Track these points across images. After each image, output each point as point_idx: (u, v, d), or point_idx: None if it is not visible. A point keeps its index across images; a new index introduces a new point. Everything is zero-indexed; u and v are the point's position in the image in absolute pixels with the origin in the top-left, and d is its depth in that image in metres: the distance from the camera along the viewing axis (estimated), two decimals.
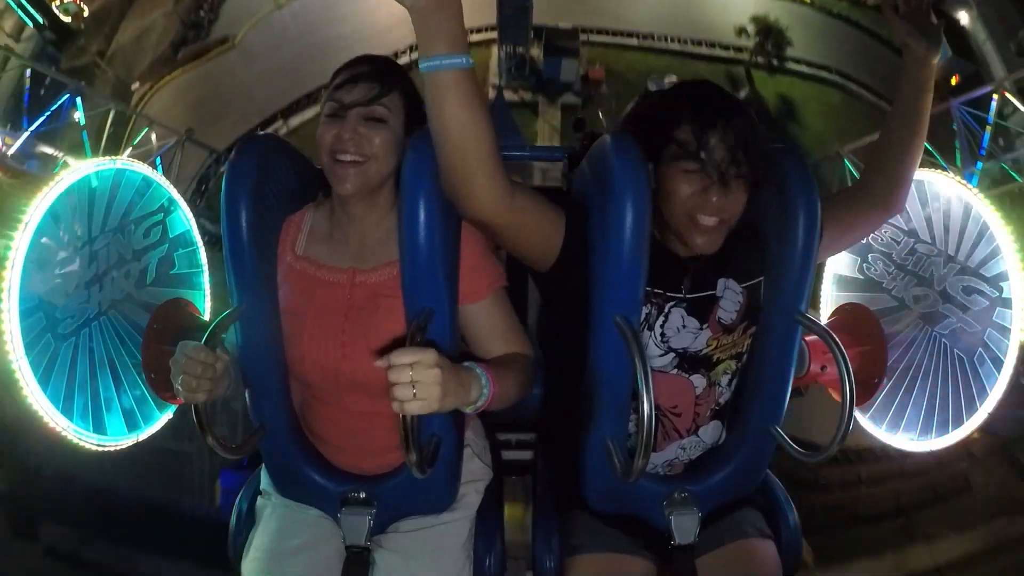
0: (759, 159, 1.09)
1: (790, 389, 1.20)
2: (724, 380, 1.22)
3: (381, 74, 1.12)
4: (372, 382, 1.12)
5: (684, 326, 1.18)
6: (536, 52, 14.48)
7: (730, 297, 1.20)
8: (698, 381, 1.20)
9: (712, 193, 1.05)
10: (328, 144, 1.10)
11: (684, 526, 1.19)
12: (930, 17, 1.20)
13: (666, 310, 1.17)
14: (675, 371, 1.19)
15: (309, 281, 1.17)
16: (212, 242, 1.75)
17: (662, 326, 1.18)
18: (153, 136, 8.12)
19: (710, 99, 1.10)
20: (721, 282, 1.20)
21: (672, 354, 1.19)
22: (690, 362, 1.19)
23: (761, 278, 1.20)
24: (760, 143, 1.09)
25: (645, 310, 1.16)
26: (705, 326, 1.18)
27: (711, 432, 1.25)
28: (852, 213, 1.29)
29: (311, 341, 1.14)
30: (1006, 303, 1.29)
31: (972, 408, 1.35)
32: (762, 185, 1.11)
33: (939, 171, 1.46)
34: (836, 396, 1.60)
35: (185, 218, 1.66)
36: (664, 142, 1.09)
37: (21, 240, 1.22)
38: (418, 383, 0.89)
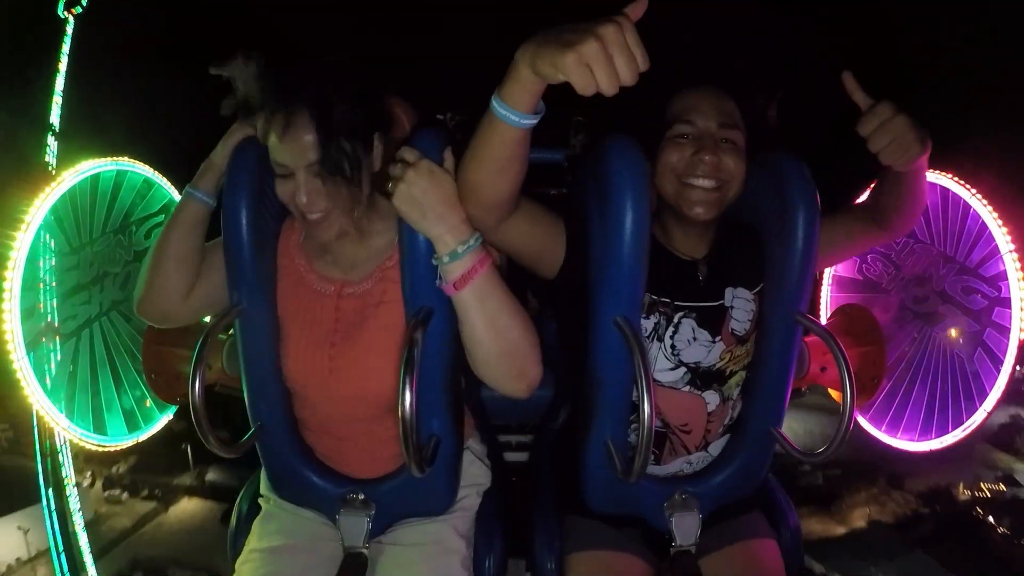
0: (753, 121, 1.11)
1: (790, 390, 1.20)
2: (735, 393, 1.20)
3: (317, 127, 0.99)
4: (363, 391, 1.12)
5: (695, 338, 1.16)
6: None
7: (741, 306, 1.18)
8: (711, 398, 1.18)
9: (704, 152, 1.07)
10: (288, 203, 1.06)
11: (685, 528, 1.19)
12: (904, 132, 0.97)
13: (675, 320, 1.15)
14: (687, 388, 1.17)
15: (301, 283, 1.16)
16: None
17: (672, 337, 1.15)
18: None
19: (694, 69, 1.13)
20: (729, 291, 1.18)
21: (684, 368, 1.16)
22: (703, 378, 1.17)
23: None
24: (752, 104, 1.12)
25: (654, 320, 1.15)
26: (718, 339, 1.16)
27: (719, 446, 1.23)
28: (858, 232, 1.25)
29: (299, 348, 1.13)
30: (1004, 303, 1.29)
31: (972, 408, 1.35)
32: (759, 153, 1.12)
33: (937, 172, 1.46)
34: (836, 397, 1.61)
35: None
36: (656, 122, 1.12)
37: (23, 241, 1.22)
38: (408, 175, 0.93)
